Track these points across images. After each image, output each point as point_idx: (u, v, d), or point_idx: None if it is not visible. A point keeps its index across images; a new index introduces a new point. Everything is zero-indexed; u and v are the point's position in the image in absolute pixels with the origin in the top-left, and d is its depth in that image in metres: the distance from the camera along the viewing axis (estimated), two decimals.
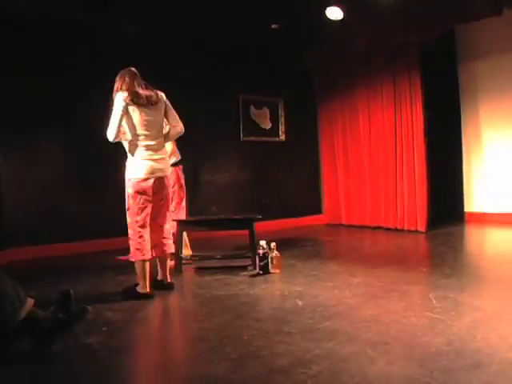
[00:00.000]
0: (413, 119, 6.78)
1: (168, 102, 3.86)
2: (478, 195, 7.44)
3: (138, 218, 3.66)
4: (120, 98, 3.62)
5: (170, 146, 4.55)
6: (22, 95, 5.61)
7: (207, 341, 2.60)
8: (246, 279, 4.17)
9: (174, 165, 4.70)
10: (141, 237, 3.66)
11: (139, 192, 3.65)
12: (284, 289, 3.77)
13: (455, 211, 7.60)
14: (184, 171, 4.98)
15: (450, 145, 7.61)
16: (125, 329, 3.00)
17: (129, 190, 3.68)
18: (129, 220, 3.70)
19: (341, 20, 6.20)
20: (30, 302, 2.48)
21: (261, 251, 4.30)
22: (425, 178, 6.68)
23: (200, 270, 4.57)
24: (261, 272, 4.29)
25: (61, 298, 2.60)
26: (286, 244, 5.72)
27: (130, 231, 3.71)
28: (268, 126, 7.95)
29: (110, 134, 3.65)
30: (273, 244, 4.39)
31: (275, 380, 2.07)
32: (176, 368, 2.40)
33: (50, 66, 5.81)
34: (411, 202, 6.87)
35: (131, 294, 3.64)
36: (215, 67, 7.20)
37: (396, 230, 7.07)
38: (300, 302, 3.30)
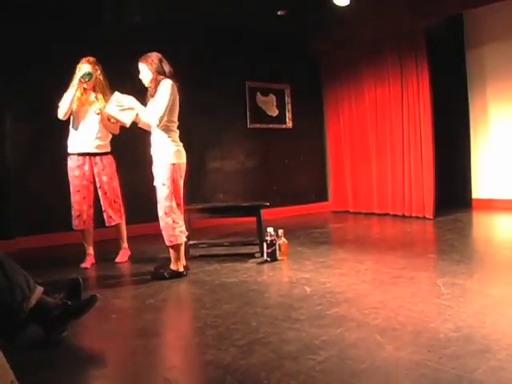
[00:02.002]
0: (420, 105, 6.72)
1: None
2: (485, 181, 7.40)
3: (174, 204, 3.76)
4: (171, 85, 3.69)
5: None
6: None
7: (216, 327, 2.61)
8: (253, 266, 4.18)
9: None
10: (179, 221, 3.81)
11: (179, 176, 3.79)
12: (292, 276, 3.78)
13: (462, 198, 7.57)
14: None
15: (457, 131, 7.56)
16: (134, 316, 3.02)
17: (174, 174, 3.73)
18: (172, 204, 3.73)
19: (347, 6, 6.15)
20: (40, 289, 2.49)
21: (268, 238, 4.30)
22: (432, 165, 6.64)
23: (208, 258, 4.59)
24: (268, 259, 4.29)
25: (70, 286, 2.62)
26: (293, 231, 5.73)
27: (173, 216, 3.73)
28: (274, 113, 7.92)
29: (157, 119, 3.65)
30: (280, 231, 4.39)
31: (284, 366, 2.07)
32: (185, 354, 2.41)
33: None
34: (418, 188, 6.84)
35: (168, 272, 3.79)
36: (221, 54, 7.16)
37: (403, 216, 7.05)
38: (308, 289, 3.30)
